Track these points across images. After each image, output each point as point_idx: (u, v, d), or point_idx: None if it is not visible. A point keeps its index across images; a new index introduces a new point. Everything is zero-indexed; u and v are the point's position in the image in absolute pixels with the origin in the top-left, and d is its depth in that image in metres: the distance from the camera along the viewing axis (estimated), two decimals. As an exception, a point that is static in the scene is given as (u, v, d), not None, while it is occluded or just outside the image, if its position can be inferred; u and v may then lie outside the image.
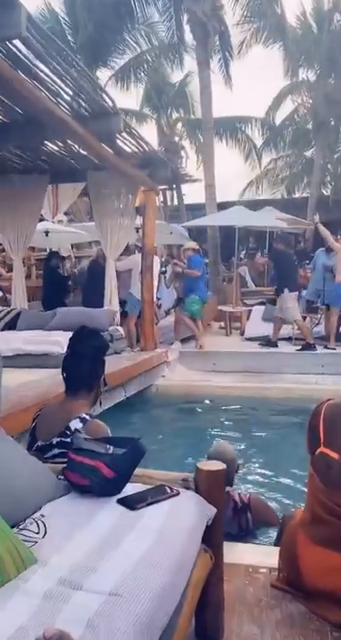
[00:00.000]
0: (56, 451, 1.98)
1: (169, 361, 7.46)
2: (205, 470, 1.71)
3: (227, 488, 2.54)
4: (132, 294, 7.64)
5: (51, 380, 4.60)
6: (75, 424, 1.98)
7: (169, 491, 1.69)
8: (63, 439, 1.97)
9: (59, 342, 5.39)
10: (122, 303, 7.67)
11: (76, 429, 1.95)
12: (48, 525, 1.45)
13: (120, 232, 7.14)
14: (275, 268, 8.35)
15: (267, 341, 8.02)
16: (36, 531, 1.42)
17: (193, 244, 8.55)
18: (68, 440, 1.94)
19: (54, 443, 1.99)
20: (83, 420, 2.00)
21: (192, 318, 8.05)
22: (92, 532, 1.43)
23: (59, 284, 8.64)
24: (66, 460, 1.76)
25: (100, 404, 2.22)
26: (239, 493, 2.65)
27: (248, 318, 9.39)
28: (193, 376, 7.40)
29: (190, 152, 18.79)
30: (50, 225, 10.05)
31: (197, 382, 7.11)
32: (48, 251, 10.15)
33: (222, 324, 9.91)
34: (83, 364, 2.08)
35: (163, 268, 9.24)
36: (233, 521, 2.58)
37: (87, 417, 2.02)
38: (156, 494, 1.66)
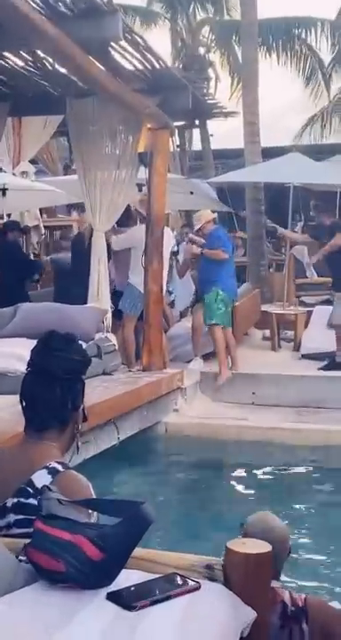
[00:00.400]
0: (12, 517, 1.99)
1: (184, 387, 7.48)
2: (241, 553, 1.71)
3: (274, 583, 2.52)
4: (132, 285, 7.67)
5: (7, 412, 4.62)
6: (42, 477, 1.99)
7: (184, 582, 1.69)
8: (23, 500, 1.98)
9: (19, 355, 5.41)
10: (117, 296, 7.71)
11: (45, 486, 1.96)
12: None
13: (114, 191, 7.19)
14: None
15: (332, 361, 8.01)
16: (-15, 637, 1.43)
17: (207, 214, 8.47)
18: (31, 501, 1.95)
19: (9, 506, 2.00)
20: (52, 472, 2.00)
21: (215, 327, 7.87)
22: (69, 642, 1.44)
23: (20, 267, 8.73)
24: (28, 531, 1.77)
25: (78, 449, 2.23)
26: (290, 592, 2.63)
27: (306, 325, 9.37)
28: (220, 411, 7.42)
29: (222, 72, 18.90)
30: (9, 179, 10.14)
31: (227, 421, 7.12)
32: (5, 218, 10.24)
33: (267, 332, 9.91)
34: (52, 388, 2.08)
35: (176, 247, 9.26)
36: (282, 633, 2.57)
37: (58, 467, 2.02)
38: (166, 587, 1.65)
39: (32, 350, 2.16)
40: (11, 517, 1.98)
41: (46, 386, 2.09)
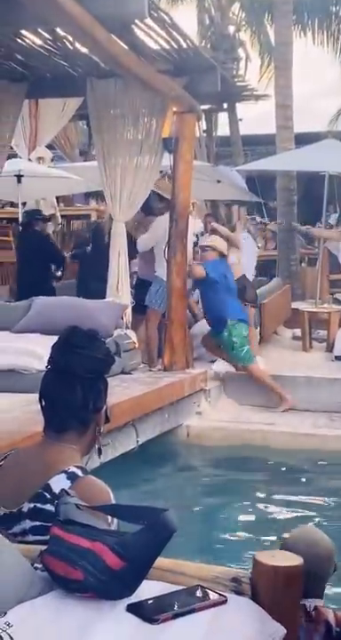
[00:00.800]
0: (28, 524, 2.00)
1: (208, 389, 7.47)
2: (269, 566, 1.71)
3: (317, 601, 2.52)
4: (160, 277, 7.66)
5: (21, 412, 4.66)
6: (60, 482, 2.00)
7: (209, 595, 1.69)
8: (39, 505, 2.00)
9: (35, 352, 5.47)
10: (145, 287, 7.70)
11: (63, 490, 1.97)
12: (17, 640, 1.47)
13: (136, 179, 7.20)
14: None
15: None
16: (-1, 648, 1.45)
17: (217, 243, 7.72)
18: (48, 507, 1.97)
19: (25, 511, 2.01)
20: (71, 477, 2.01)
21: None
22: (87, 656, 1.45)
23: (47, 258, 8.69)
24: (44, 539, 1.78)
25: (100, 452, 2.23)
26: (334, 612, 2.62)
27: (340, 324, 9.33)
28: (245, 415, 7.40)
29: (252, 52, 18.82)
30: (24, 165, 10.20)
31: (253, 425, 7.10)
32: (20, 206, 10.29)
33: (297, 331, 9.87)
34: (73, 387, 2.10)
35: (196, 238, 9.22)
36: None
37: (78, 472, 2.04)
38: (189, 600, 1.66)
39: (53, 347, 2.16)
40: (27, 524, 1.99)
41: (67, 385, 2.10)
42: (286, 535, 2.76)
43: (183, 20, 15.00)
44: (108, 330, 6.46)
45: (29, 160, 10.66)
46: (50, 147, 11.77)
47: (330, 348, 9.05)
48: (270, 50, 16.41)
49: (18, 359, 5.61)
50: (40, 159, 10.89)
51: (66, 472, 2.02)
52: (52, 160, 11.92)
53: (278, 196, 12.49)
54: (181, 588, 1.71)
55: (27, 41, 6.50)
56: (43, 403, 2.15)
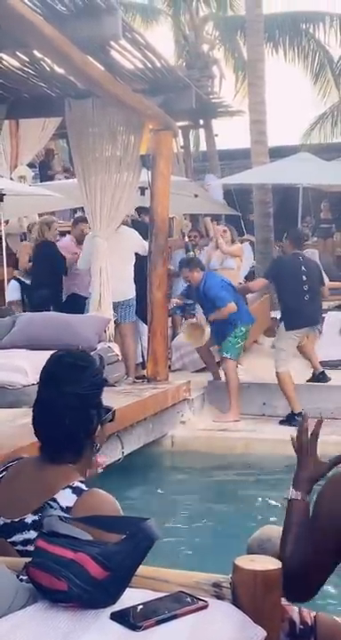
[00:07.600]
0: (32, 534, 1.96)
1: (191, 398, 7.48)
2: (249, 570, 1.72)
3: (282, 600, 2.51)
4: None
5: (8, 427, 4.64)
6: (66, 497, 2.00)
7: (191, 601, 1.70)
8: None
9: (20, 368, 5.43)
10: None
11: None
12: (3, 652, 1.47)
13: (116, 195, 7.23)
14: None
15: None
16: (-15, 660, 1.45)
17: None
18: None
19: (29, 522, 2.00)
20: (76, 491, 2.01)
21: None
22: (72, 664, 1.45)
23: None
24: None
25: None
26: (300, 609, 2.63)
27: (319, 331, 9.37)
28: (229, 423, 7.41)
29: (227, 69, 18.96)
30: (6, 184, 10.18)
31: (236, 433, 7.12)
32: (3, 224, 10.23)
33: (277, 340, 9.89)
34: (61, 423, 2.08)
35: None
36: (290, 652, 2.57)
37: (82, 486, 2.04)
38: (172, 606, 1.67)
39: (40, 377, 2.15)
40: (32, 534, 1.96)
41: (54, 421, 2.08)
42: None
43: (158, 40, 15.11)
44: (92, 343, 6.46)
45: (11, 179, 10.65)
46: (31, 165, 11.78)
47: (309, 355, 9.08)
48: (244, 66, 16.53)
49: (3, 375, 5.58)
50: (21, 178, 10.88)
51: (71, 487, 2.02)
52: (35, 178, 11.93)
53: (254, 208, 12.56)
54: (163, 594, 1.72)
55: (5, 63, 6.52)
56: (35, 431, 2.13)
